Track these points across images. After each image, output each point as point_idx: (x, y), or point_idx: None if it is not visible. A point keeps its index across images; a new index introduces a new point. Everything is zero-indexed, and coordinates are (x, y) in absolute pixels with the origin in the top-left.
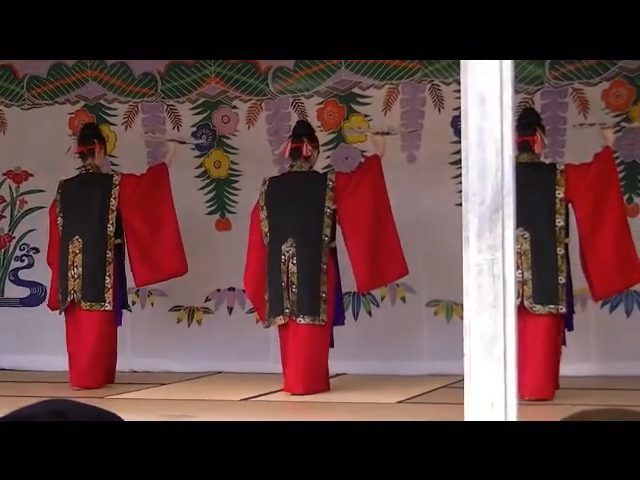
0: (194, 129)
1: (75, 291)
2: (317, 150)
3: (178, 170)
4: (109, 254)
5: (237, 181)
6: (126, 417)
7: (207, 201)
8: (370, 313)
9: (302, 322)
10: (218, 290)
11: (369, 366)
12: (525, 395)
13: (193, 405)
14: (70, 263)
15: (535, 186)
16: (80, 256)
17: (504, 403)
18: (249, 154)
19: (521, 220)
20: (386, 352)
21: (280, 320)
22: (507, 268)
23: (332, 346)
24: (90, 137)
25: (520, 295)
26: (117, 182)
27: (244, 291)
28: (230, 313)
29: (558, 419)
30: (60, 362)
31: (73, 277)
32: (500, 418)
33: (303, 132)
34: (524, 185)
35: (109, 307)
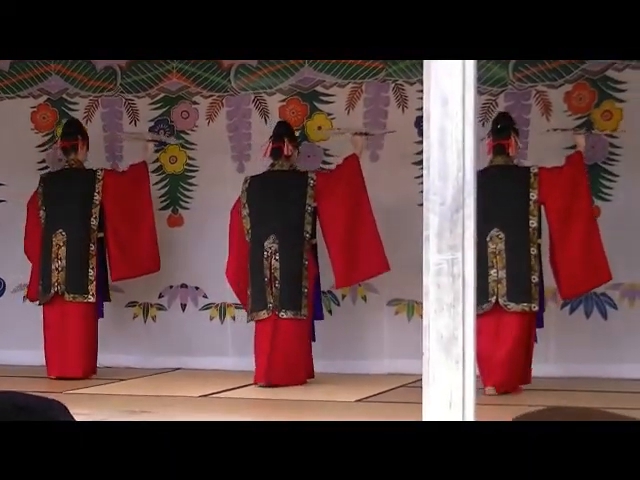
0: (152, 124)
1: (59, 283)
2: (297, 149)
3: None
4: (92, 247)
5: (193, 177)
6: (84, 412)
7: (160, 196)
8: (331, 312)
9: (284, 316)
10: (170, 287)
11: (329, 365)
12: (498, 389)
13: (153, 401)
14: (54, 256)
15: (510, 188)
16: (64, 249)
17: (462, 403)
18: (207, 150)
19: (496, 221)
20: (346, 351)
21: (263, 314)
22: (467, 268)
23: (314, 340)
24: (74, 133)
25: (495, 293)
26: (101, 177)
27: (197, 288)
28: (183, 310)
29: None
30: (22, 355)
31: (57, 269)
32: (458, 418)
33: (284, 132)
34: (499, 187)
35: (92, 299)
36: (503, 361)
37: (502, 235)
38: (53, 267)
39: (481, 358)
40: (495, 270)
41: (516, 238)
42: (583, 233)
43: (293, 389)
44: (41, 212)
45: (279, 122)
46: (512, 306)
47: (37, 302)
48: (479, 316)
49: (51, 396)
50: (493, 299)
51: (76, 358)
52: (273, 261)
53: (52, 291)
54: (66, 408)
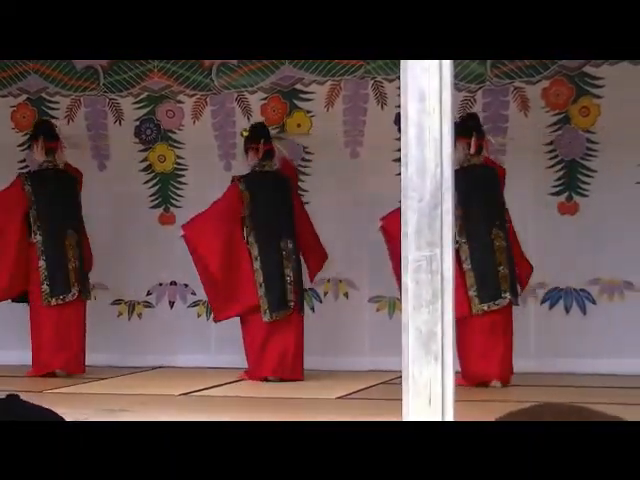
0: (137, 123)
1: (76, 284)
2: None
3: (122, 164)
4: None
5: (183, 175)
6: (64, 412)
7: (151, 195)
8: (313, 309)
9: (301, 314)
10: (160, 284)
11: (310, 361)
12: (505, 383)
13: (132, 399)
14: (70, 257)
15: (492, 187)
16: (77, 250)
17: (441, 399)
18: (195, 149)
19: (495, 219)
20: (327, 347)
21: (286, 313)
22: (445, 264)
23: None
24: (56, 135)
25: (506, 289)
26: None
27: (186, 285)
28: (171, 307)
29: (494, 417)
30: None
31: (73, 270)
32: (437, 414)
33: (267, 133)
34: (488, 186)
35: (91, 296)
36: (505, 354)
37: (501, 233)
38: (70, 268)
39: (494, 353)
40: (502, 267)
41: (505, 235)
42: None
43: (274, 386)
44: (32, 211)
45: (260, 124)
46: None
47: (11, 301)
48: (494, 312)
49: (31, 395)
50: (507, 295)
51: (82, 355)
52: (291, 261)
53: (72, 291)
54: (61, 418)
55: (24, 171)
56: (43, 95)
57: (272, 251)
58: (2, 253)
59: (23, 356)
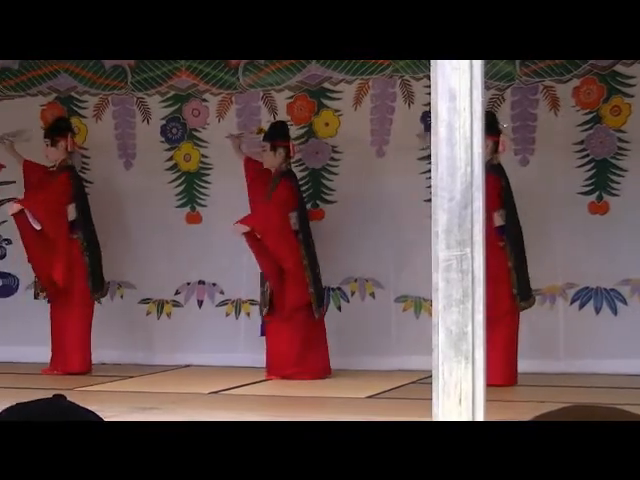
0: (164, 122)
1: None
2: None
3: (148, 163)
4: None
5: (208, 174)
6: (95, 409)
7: (177, 194)
8: (340, 308)
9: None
10: (188, 283)
11: (338, 361)
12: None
13: (163, 398)
14: (101, 253)
15: (509, 186)
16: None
17: (472, 399)
18: (220, 147)
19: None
20: (355, 347)
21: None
22: (476, 264)
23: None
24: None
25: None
26: None
27: (214, 284)
28: (200, 306)
29: (527, 417)
30: (32, 353)
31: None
32: (468, 414)
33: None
34: (509, 185)
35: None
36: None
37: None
38: (102, 264)
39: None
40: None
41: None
42: None
43: (303, 385)
44: (69, 207)
45: (283, 122)
46: None
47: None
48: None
49: (61, 393)
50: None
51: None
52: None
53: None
54: (98, 417)
55: (67, 166)
56: (72, 94)
57: (311, 249)
58: (54, 247)
59: (21, 353)
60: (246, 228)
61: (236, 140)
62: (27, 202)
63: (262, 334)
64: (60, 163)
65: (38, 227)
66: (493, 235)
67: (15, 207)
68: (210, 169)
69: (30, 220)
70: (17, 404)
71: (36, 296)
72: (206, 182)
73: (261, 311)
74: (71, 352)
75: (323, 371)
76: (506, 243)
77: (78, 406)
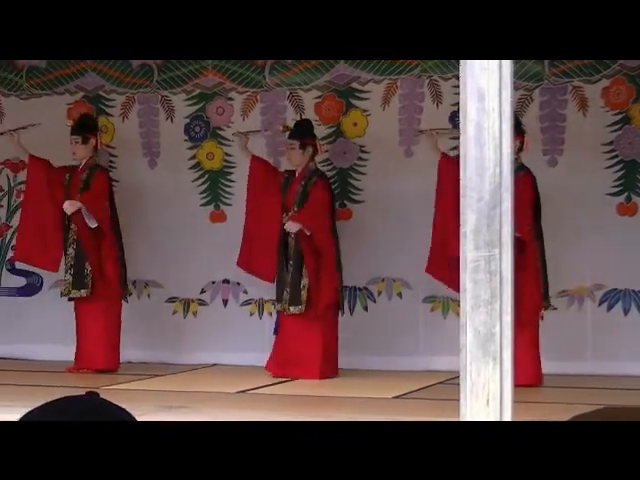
0: (187, 120)
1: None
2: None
3: (171, 162)
4: None
5: (232, 173)
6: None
7: (201, 192)
8: (366, 308)
9: None
10: (213, 282)
11: (365, 361)
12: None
13: (189, 397)
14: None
15: None
16: None
17: (500, 401)
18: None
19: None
20: (382, 347)
21: None
22: (504, 265)
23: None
24: None
25: None
26: None
27: (238, 283)
28: (225, 305)
29: (555, 418)
30: (60, 351)
31: None
32: (496, 415)
33: None
34: None
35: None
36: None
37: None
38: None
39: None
40: None
41: None
42: None
43: (330, 385)
44: (107, 203)
45: (309, 120)
46: None
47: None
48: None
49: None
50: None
51: None
52: None
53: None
54: (129, 414)
55: (99, 165)
56: (100, 93)
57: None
58: (103, 246)
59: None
60: (298, 226)
61: (243, 138)
62: (86, 201)
63: (274, 331)
64: (87, 161)
65: (94, 225)
66: (533, 232)
67: (76, 205)
68: (234, 167)
69: (86, 218)
70: (52, 401)
71: (67, 295)
72: (230, 180)
73: (284, 309)
74: (100, 350)
75: (333, 371)
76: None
77: (110, 403)
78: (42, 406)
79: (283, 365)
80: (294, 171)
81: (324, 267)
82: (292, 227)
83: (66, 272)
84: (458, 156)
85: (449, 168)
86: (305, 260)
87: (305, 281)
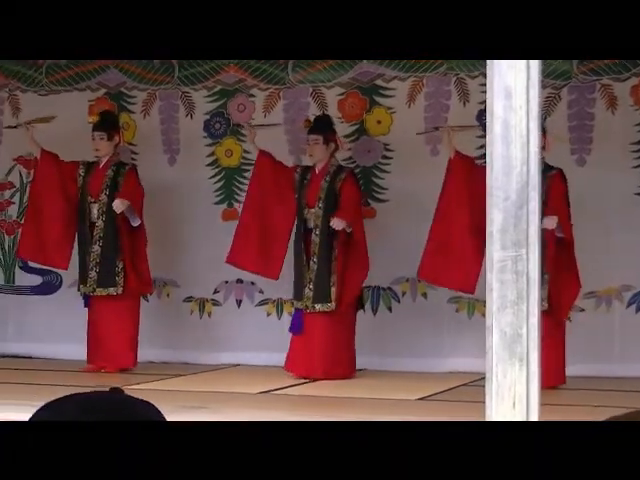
0: (207, 117)
1: None
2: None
3: (190, 159)
4: None
5: (248, 170)
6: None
7: (216, 190)
8: (390, 309)
9: None
10: (226, 282)
11: (388, 362)
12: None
13: (211, 397)
14: None
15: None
16: None
17: (526, 403)
18: (264, 143)
19: None
20: (406, 348)
21: None
22: (531, 265)
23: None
24: None
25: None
26: None
27: (253, 283)
28: (239, 306)
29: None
30: (75, 350)
31: None
32: (522, 418)
33: None
34: None
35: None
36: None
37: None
38: None
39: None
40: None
41: None
42: None
43: (353, 386)
44: (142, 201)
45: (329, 115)
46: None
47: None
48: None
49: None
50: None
51: None
52: None
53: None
54: (159, 411)
55: (124, 162)
56: (122, 89)
57: None
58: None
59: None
60: (344, 223)
61: (252, 132)
62: (128, 199)
63: (295, 330)
64: (110, 158)
65: (137, 223)
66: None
67: (125, 203)
68: (251, 165)
69: (129, 216)
70: (76, 393)
71: (91, 293)
72: (245, 178)
73: (306, 306)
74: (124, 348)
75: (354, 371)
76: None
77: (135, 398)
78: (67, 397)
79: (308, 365)
80: (309, 167)
81: (356, 264)
82: (339, 224)
83: (90, 269)
84: (472, 156)
85: (459, 167)
86: (337, 257)
87: (334, 278)
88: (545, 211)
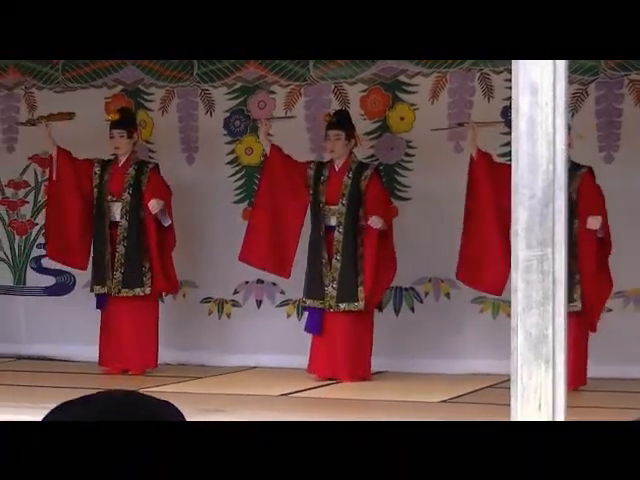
0: (227, 114)
1: None
2: None
3: (209, 157)
4: None
5: None
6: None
7: (236, 189)
8: (413, 309)
9: None
10: (246, 282)
11: (411, 364)
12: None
13: (228, 400)
14: None
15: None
16: None
17: (552, 406)
18: (285, 141)
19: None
20: (429, 350)
21: None
22: (557, 265)
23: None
24: None
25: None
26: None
27: (274, 284)
28: (259, 307)
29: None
30: (90, 352)
31: None
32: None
33: None
34: None
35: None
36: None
37: None
38: None
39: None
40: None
41: None
42: None
43: (374, 388)
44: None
45: (347, 111)
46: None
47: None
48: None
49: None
50: None
51: None
52: None
53: None
54: (178, 411)
55: (144, 161)
56: (139, 87)
57: None
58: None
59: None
60: (382, 222)
61: (267, 125)
62: (163, 199)
63: (313, 330)
64: (130, 156)
65: (168, 223)
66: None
67: (161, 203)
68: None
69: (160, 216)
70: (98, 393)
71: (116, 294)
72: None
73: (329, 306)
74: (146, 349)
75: (370, 374)
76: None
77: (151, 398)
78: (86, 397)
79: (332, 366)
80: (324, 163)
81: (386, 263)
82: (378, 223)
83: (115, 270)
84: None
85: (483, 165)
86: (363, 255)
87: (362, 277)
88: (580, 211)
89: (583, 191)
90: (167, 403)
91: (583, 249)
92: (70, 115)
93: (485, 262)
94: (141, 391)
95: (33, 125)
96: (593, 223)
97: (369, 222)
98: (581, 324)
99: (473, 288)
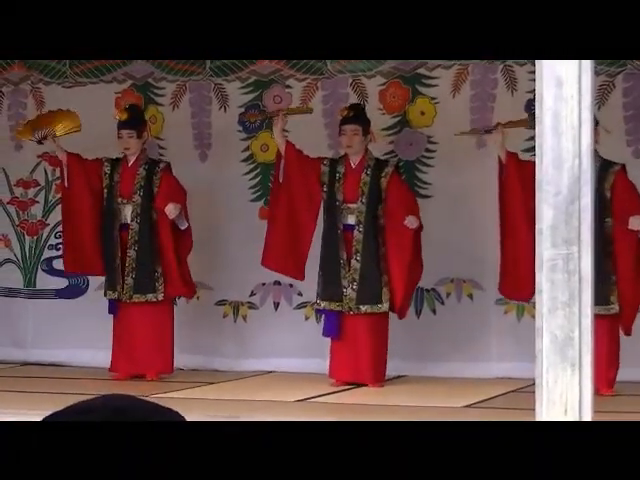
0: (242, 109)
1: None
2: None
3: (223, 154)
4: None
5: None
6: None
7: (251, 187)
8: (434, 311)
9: None
10: (263, 284)
11: (432, 367)
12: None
13: (243, 406)
14: None
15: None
16: None
17: (578, 410)
18: (301, 137)
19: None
20: (451, 353)
21: None
22: (583, 264)
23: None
24: None
25: None
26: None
27: (291, 285)
28: (276, 309)
29: None
30: (103, 357)
31: None
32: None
33: None
34: None
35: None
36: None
37: None
38: None
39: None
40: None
41: None
42: None
43: (393, 395)
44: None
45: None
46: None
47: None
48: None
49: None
50: None
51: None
52: None
53: None
54: (178, 414)
55: (156, 160)
56: (149, 81)
57: None
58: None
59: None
60: (418, 221)
61: (283, 119)
62: (178, 201)
63: (331, 334)
64: (139, 155)
65: (184, 226)
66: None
67: (178, 207)
68: None
69: (176, 220)
70: (104, 396)
71: (128, 300)
72: None
73: (349, 308)
74: (163, 354)
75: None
76: None
77: (147, 402)
78: (93, 399)
79: (355, 370)
80: (337, 159)
81: (413, 263)
82: (414, 222)
83: (127, 275)
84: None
85: (514, 170)
86: (385, 255)
87: (385, 278)
88: (615, 209)
89: (618, 189)
90: (170, 410)
91: (620, 249)
92: (76, 127)
93: (523, 273)
94: (150, 398)
95: (41, 144)
96: (636, 223)
97: (405, 222)
98: (617, 327)
99: (516, 300)
